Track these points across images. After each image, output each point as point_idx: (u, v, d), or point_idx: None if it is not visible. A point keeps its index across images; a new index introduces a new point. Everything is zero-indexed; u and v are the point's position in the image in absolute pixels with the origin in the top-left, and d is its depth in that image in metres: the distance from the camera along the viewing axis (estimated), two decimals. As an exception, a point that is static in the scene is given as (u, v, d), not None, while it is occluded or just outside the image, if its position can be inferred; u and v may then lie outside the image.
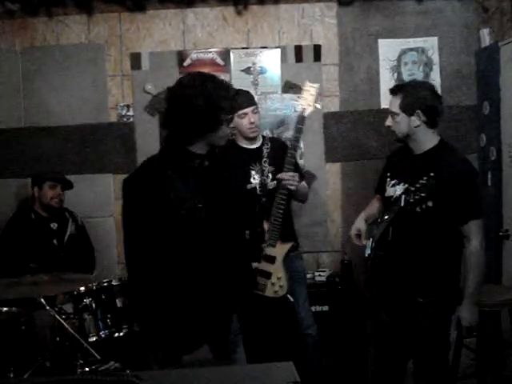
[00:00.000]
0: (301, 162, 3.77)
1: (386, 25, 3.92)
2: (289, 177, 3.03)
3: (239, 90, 3.14)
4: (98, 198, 3.96)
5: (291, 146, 3.11)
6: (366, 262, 2.82)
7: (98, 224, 3.88)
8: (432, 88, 2.63)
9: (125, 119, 3.96)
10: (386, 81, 3.92)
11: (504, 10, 3.65)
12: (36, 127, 3.93)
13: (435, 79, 3.89)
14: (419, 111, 2.53)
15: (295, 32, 3.93)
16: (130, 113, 3.95)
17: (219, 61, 3.92)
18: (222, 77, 2.37)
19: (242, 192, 3.10)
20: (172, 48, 3.93)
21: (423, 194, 2.42)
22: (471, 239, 2.52)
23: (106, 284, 3.09)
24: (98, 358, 2.73)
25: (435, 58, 3.93)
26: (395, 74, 3.94)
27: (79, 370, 2.72)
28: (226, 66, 3.90)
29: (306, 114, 3.11)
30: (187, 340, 2.09)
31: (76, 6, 3.81)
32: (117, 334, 3.03)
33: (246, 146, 3.24)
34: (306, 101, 3.11)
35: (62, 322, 2.81)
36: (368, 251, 2.80)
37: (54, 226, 3.61)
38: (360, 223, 2.84)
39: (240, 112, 3.11)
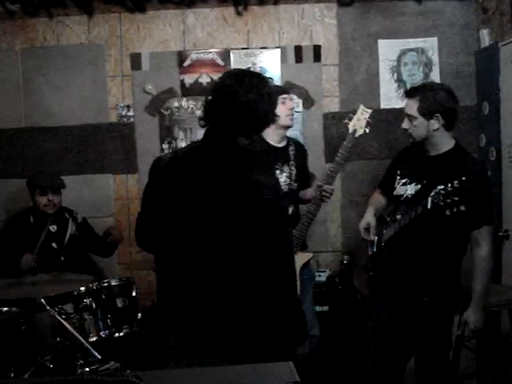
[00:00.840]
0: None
1: (386, 25, 3.92)
2: (331, 190, 3.04)
3: None
4: (98, 198, 3.96)
5: (336, 162, 3.09)
6: (370, 259, 2.82)
7: (98, 224, 3.88)
8: (449, 90, 2.59)
9: (125, 119, 3.96)
10: (386, 81, 3.93)
11: (503, 11, 3.65)
12: (36, 127, 3.93)
13: (435, 79, 3.89)
14: (438, 115, 2.51)
15: (295, 32, 3.94)
16: (130, 113, 3.96)
17: (219, 61, 3.93)
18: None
19: None
20: (172, 48, 3.94)
21: (456, 198, 2.37)
22: (482, 244, 2.52)
23: (106, 284, 3.09)
24: (99, 357, 2.73)
25: (435, 58, 3.94)
26: (395, 75, 3.94)
27: (79, 370, 2.71)
28: (226, 67, 3.90)
29: (357, 135, 3.13)
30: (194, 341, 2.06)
31: (76, 6, 3.81)
32: (117, 334, 3.02)
33: (273, 144, 3.15)
34: (359, 122, 3.13)
35: (63, 321, 2.81)
36: (374, 249, 2.80)
37: (53, 228, 3.52)
38: (370, 217, 2.81)
39: (280, 97, 3.06)
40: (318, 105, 3.95)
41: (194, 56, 3.93)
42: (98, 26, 3.92)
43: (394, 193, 2.73)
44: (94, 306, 3.01)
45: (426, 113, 2.52)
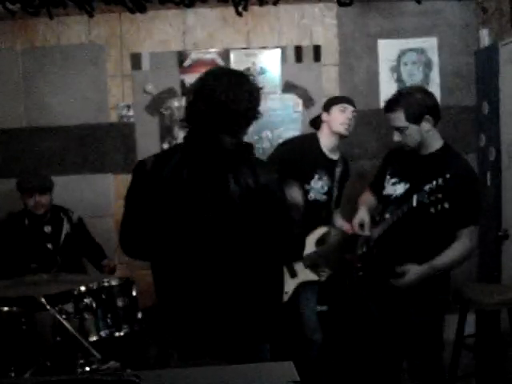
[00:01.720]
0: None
1: (386, 25, 3.92)
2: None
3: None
4: (98, 198, 3.96)
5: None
6: (361, 259, 2.83)
7: (98, 224, 3.88)
8: (423, 89, 2.64)
9: (125, 119, 3.97)
10: (386, 81, 3.93)
11: (503, 11, 3.66)
12: (36, 127, 3.94)
13: (435, 79, 3.90)
14: (428, 116, 2.51)
15: (295, 32, 3.94)
16: (130, 113, 3.96)
17: (219, 61, 3.93)
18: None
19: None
20: (172, 48, 3.94)
21: (440, 195, 2.37)
22: (464, 241, 2.50)
23: (106, 284, 3.09)
24: (99, 357, 2.73)
25: (435, 58, 3.94)
26: (395, 75, 3.95)
27: (79, 370, 2.71)
28: (227, 67, 3.90)
29: None
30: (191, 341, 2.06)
31: (76, 6, 3.81)
32: (117, 334, 3.02)
33: (327, 153, 3.17)
34: None
35: (63, 321, 2.81)
36: (364, 249, 2.80)
37: (47, 229, 3.51)
38: (364, 214, 2.81)
39: (341, 105, 3.08)
40: (318, 105, 3.95)
41: (194, 56, 3.94)
42: (98, 26, 3.93)
43: (384, 192, 2.73)
44: (95, 306, 3.00)
45: (416, 118, 2.51)
